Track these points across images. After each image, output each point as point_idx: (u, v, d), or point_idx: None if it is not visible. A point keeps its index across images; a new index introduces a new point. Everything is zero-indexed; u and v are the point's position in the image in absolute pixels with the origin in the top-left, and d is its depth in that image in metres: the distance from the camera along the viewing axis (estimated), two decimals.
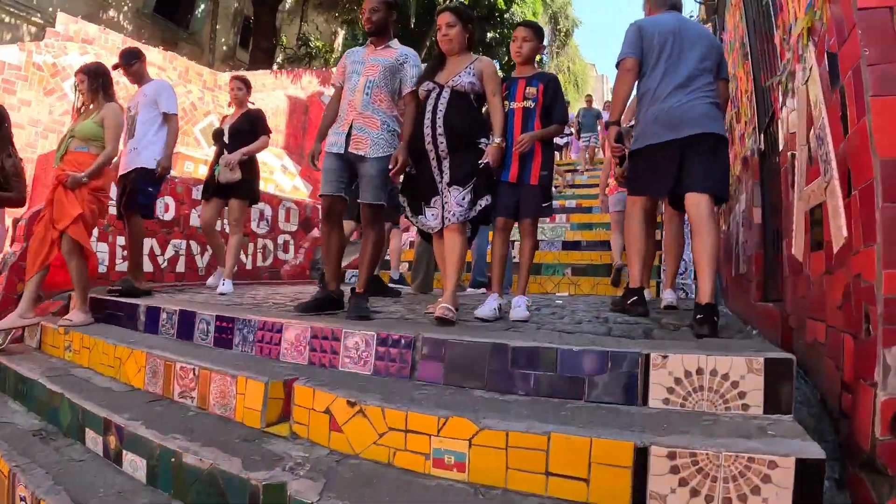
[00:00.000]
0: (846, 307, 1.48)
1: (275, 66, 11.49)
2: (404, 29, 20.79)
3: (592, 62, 46.43)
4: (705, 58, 2.66)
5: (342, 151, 2.95)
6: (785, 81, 1.93)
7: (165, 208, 5.47)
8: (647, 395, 1.71)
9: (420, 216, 2.94)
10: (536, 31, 2.97)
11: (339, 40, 21.20)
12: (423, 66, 3.08)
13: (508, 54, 20.21)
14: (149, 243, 5.31)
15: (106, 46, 6.57)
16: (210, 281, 5.01)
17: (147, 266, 5.24)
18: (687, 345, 1.95)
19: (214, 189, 4.53)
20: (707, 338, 2.14)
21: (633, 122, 3.45)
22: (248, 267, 6.27)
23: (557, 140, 12.35)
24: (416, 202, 2.95)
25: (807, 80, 1.64)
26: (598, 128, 12.22)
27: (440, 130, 2.73)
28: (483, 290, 4.66)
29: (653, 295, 3.97)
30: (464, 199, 2.70)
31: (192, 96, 7.45)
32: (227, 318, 2.78)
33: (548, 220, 7.38)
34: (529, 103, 2.84)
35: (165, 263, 5.51)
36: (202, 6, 13.57)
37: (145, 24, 12.58)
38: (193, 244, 5.74)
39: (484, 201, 2.74)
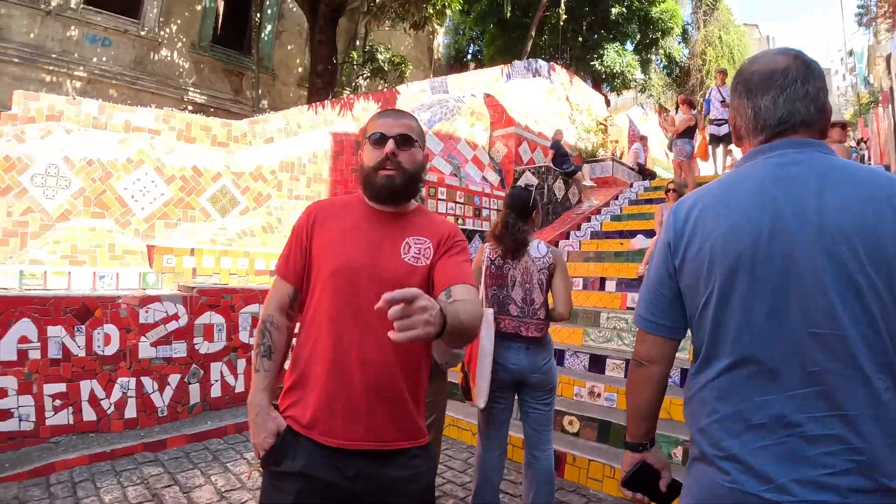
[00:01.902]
0: None
1: (332, 95, 10.18)
2: (499, 22, 18.74)
3: (754, 23, 39.72)
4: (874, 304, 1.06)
5: None
6: None
7: (106, 340, 4.41)
8: None
9: None
10: None
11: (439, 40, 19.70)
12: None
13: (641, 33, 17.29)
14: (88, 385, 4.31)
15: (78, 119, 5.57)
16: None
17: (89, 414, 4.29)
18: None
19: None
20: None
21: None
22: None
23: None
24: None
25: None
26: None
27: None
28: None
29: None
30: None
31: (196, 159, 6.27)
32: None
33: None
34: None
35: (112, 408, 4.40)
36: (268, 27, 12.86)
37: (204, 59, 12.13)
38: (147, 381, 4.54)
39: None
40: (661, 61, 21.05)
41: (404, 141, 1.54)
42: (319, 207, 1.62)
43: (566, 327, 5.45)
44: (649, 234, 7.04)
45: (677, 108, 9.70)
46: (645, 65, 20.00)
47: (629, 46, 19.72)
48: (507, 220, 2.83)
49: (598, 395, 4.34)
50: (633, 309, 5.59)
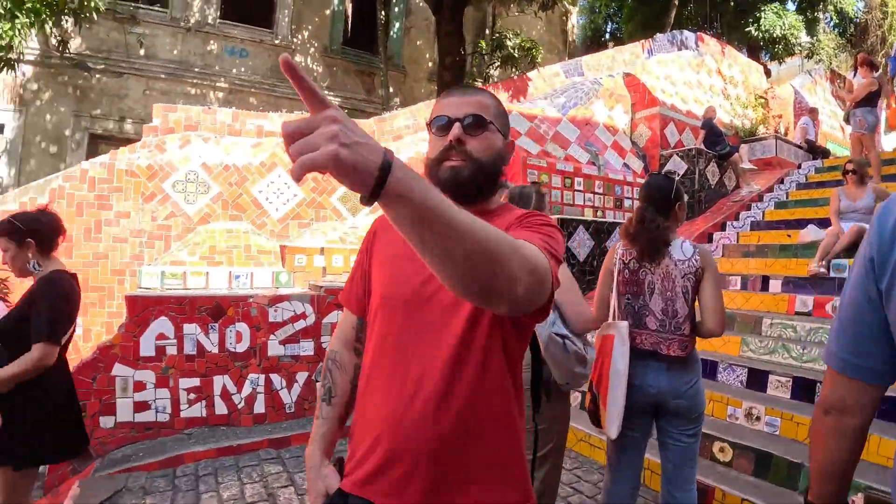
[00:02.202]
0: None
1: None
2: None
3: None
4: None
5: None
6: None
7: (238, 337, 4.64)
8: None
9: None
10: None
11: (573, 20, 18.83)
12: None
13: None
14: (221, 381, 4.58)
15: (213, 127, 5.96)
16: None
17: (221, 408, 4.58)
18: None
19: None
20: None
21: None
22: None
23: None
24: None
25: None
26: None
27: None
28: None
29: None
30: None
31: None
32: None
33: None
34: None
35: (242, 403, 4.64)
36: (396, 25, 13.06)
37: (336, 61, 12.63)
38: (275, 378, 4.71)
39: None
40: (831, 19, 18.26)
41: (475, 124, 1.18)
42: (381, 220, 1.33)
43: None
44: (823, 223, 6.03)
45: (855, 71, 8.25)
46: (811, 25, 17.54)
47: (791, 6, 17.42)
48: (643, 215, 2.40)
49: (758, 418, 3.70)
50: (802, 314, 4.82)
